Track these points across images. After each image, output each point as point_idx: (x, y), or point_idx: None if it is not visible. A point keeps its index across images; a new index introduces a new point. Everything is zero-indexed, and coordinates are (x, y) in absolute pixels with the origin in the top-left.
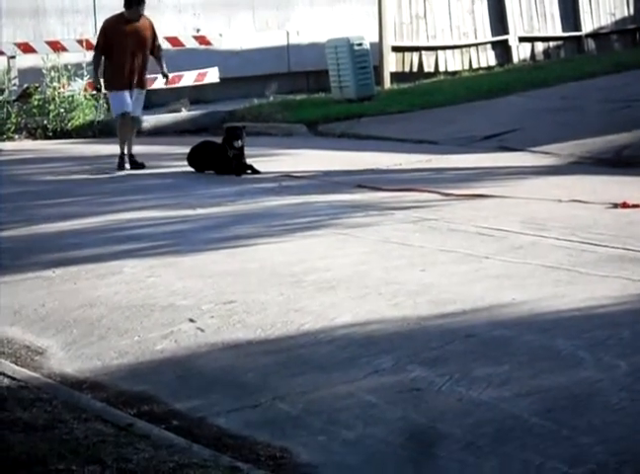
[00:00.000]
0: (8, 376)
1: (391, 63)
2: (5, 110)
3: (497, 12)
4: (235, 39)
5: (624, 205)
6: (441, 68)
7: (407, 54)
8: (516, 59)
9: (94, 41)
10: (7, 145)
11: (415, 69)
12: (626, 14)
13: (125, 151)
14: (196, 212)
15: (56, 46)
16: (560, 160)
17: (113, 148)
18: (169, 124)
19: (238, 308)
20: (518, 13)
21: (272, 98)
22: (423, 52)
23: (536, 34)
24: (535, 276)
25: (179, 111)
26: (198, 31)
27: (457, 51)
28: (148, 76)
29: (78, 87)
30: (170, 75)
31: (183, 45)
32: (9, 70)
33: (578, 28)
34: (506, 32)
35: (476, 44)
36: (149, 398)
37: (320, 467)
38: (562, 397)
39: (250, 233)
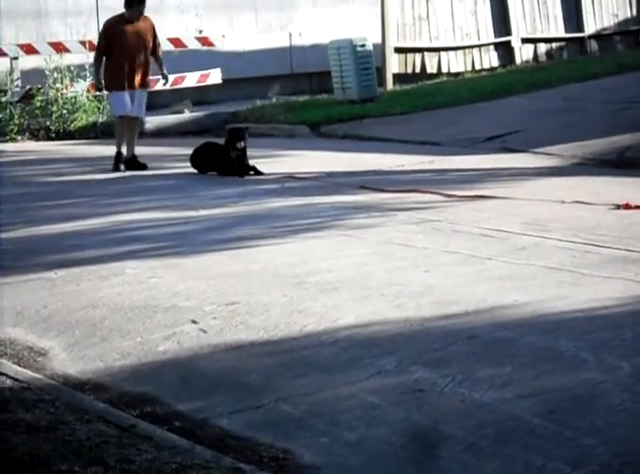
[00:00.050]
0: (10, 377)
1: (394, 64)
2: (8, 111)
3: (499, 13)
4: (238, 40)
5: (627, 207)
6: (444, 69)
7: (410, 55)
8: (518, 60)
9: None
10: (9, 146)
11: (417, 70)
12: (629, 15)
13: (123, 152)
14: (198, 214)
15: (59, 48)
16: (563, 161)
17: (115, 149)
18: (172, 126)
19: (241, 309)
20: (520, 14)
21: (274, 99)
22: (425, 54)
23: (539, 35)
24: (538, 278)
25: (181, 112)
26: (200, 32)
27: (460, 53)
28: (151, 77)
29: (81, 88)
30: (172, 76)
31: (185, 47)
32: (12, 71)
33: (580, 29)
34: (508, 33)
35: (479, 46)
36: (152, 399)
37: (323, 468)
38: (564, 398)
39: (253, 234)
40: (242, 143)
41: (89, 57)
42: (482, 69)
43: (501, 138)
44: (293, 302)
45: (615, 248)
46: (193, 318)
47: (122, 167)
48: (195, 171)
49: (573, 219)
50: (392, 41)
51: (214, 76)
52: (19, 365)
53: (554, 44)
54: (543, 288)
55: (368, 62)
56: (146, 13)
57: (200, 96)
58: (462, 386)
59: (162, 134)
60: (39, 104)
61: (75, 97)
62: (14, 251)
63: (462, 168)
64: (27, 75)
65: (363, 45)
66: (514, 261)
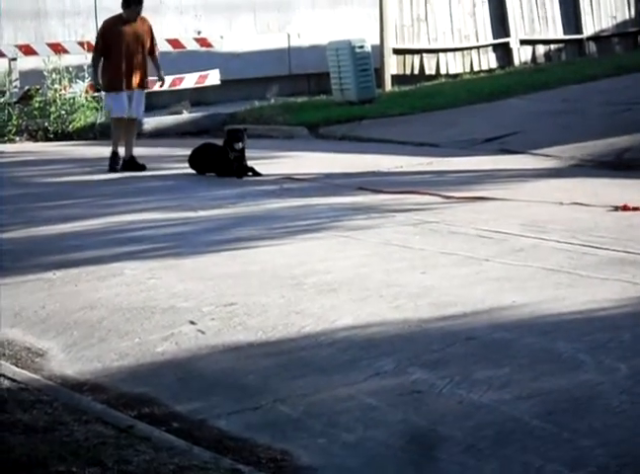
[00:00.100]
0: (8, 378)
1: (392, 66)
2: (6, 112)
3: (498, 14)
4: (236, 41)
5: (625, 208)
6: (443, 71)
7: (408, 57)
8: (517, 62)
9: None
10: (8, 147)
11: (416, 72)
12: (627, 17)
13: (119, 152)
14: (197, 215)
15: (57, 48)
16: (561, 163)
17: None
18: (170, 126)
19: (239, 310)
20: (519, 15)
21: (273, 100)
22: (424, 55)
23: (537, 36)
24: (536, 279)
25: (180, 113)
26: (199, 33)
27: (458, 54)
28: (150, 78)
29: (79, 89)
30: (170, 77)
31: (184, 47)
32: (10, 72)
33: (579, 30)
34: (507, 34)
35: (477, 47)
36: (150, 400)
37: (320, 470)
38: (563, 400)
39: (251, 235)
40: (240, 144)
41: (87, 58)
42: (480, 71)
43: (499, 140)
44: (291, 303)
45: (613, 249)
46: (191, 319)
47: (118, 167)
48: (193, 172)
49: (571, 221)
50: (391, 43)
51: (213, 77)
52: (17, 366)
53: (552, 46)
54: (541, 290)
55: (367, 63)
56: (145, 14)
57: (198, 97)
58: (460, 387)
59: (160, 135)
60: (37, 105)
61: (74, 98)
62: (13, 251)
63: (461, 169)
64: (25, 76)
65: (362, 47)
66: (512, 262)
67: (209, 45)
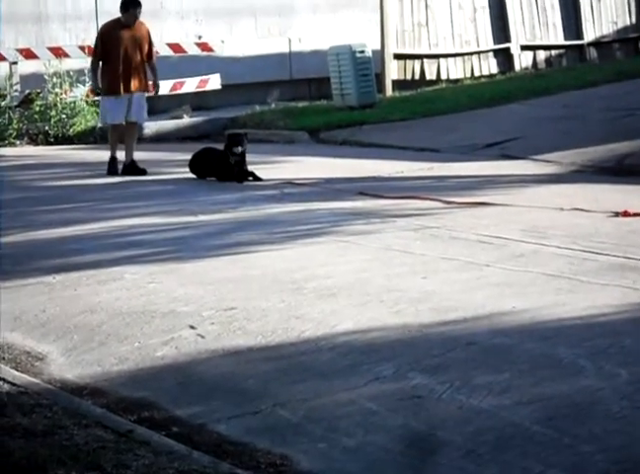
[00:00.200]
0: (8, 382)
1: (393, 71)
2: (7, 115)
3: (499, 20)
4: (237, 45)
5: (625, 214)
6: (443, 76)
7: (409, 62)
8: (518, 67)
9: None
10: (8, 151)
11: (417, 77)
12: (628, 23)
13: (117, 156)
14: (197, 219)
15: (58, 52)
16: (562, 168)
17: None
18: (171, 131)
19: (239, 315)
20: (520, 21)
21: (273, 105)
22: (425, 60)
23: (538, 42)
24: (536, 285)
25: (181, 117)
26: (200, 37)
27: (459, 59)
28: (151, 82)
29: (80, 93)
30: (171, 82)
31: (185, 52)
32: (11, 76)
33: (580, 36)
34: (508, 40)
35: (478, 52)
36: (149, 404)
37: None
38: (563, 405)
39: (251, 240)
40: (239, 148)
41: (88, 62)
42: (481, 76)
43: (500, 145)
44: (291, 308)
45: (614, 255)
46: (191, 323)
47: (118, 171)
48: (194, 176)
49: (572, 226)
50: (391, 48)
51: (214, 82)
52: (16, 370)
53: (553, 52)
54: (542, 295)
55: (368, 68)
56: (146, 18)
57: (199, 101)
58: (461, 393)
59: (161, 140)
60: (38, 108)
61: (74, 102)
62: (13, 255)
63: (461, 175)
64: (26, 80)
65: (363, 52)
66: (512, 268)
67: (210, 50)
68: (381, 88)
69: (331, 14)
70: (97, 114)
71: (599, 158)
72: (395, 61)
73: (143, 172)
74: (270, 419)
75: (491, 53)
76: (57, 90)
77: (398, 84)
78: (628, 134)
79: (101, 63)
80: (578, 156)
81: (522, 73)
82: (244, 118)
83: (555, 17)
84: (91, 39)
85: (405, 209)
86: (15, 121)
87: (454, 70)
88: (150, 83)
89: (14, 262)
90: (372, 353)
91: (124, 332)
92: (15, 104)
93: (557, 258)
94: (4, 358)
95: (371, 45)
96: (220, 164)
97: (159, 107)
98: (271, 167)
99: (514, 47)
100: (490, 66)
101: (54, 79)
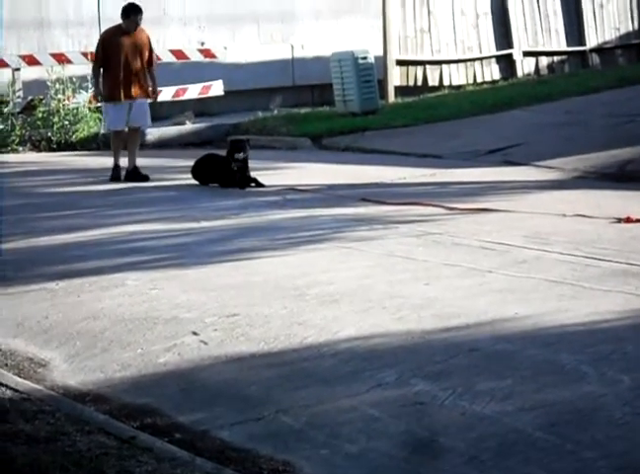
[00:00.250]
0: (11, 388)
1: (395, 77)
2: (9, 122)
3: (501, 26)
4: (240, 52)
5: (628, 220)
6: (446, 82)
7: (411, 68)
8: (520, 74)
9: None
10: (11, 157)
11: (419, 83)
12: (630, 29)
13: (120, 163)
14: (199, 225)
15: (61, 59)
16: (564, 175)
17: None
18: (173, 137)
19: (241, 321)
20: (522, 27)
21: (276, 111)
22: (427, 66)
23: (541, 48)
24: (539, 291)
25: (183, 123)
26: (202, 44)
27: (462, 65)
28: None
29: (83, 99)
30: (174, 88)
31: (187, 58)
32: (13, 82)
33: (582, 42)
34: (510, 46)
35: (480, 59)
36: (152, 411)
37: None
38: (566, 411)
39: (254, 246)
40: (242, 154)
41: (90, 68)
42: (484, 82)
43: (502, 151)
44: (294, 314)
45: (616, 261)
46: (193, 330)
47: (120, 178)
48: (196, 182)
49: (574, 233)
50: (394, 54)
51: (216, 88)
52: (19, 376)
53: (556, 58)
54: (544, 301)
55: (370, 75)
56: (149, 25)
57: (201, 107)
58: (463, 399)
59: (164, 146)
60: (40, 115)
61: (77, 108)
62: (15, 261)
63: (464, 181)
64: (28, 86)
65: (365, 58)
66: (514, 274)
67: (213, 56)
68: (384, 94)
69: (333, 20)
70: (99, 120)
71: (601, 164)
72: (397, 67)
73: (146, 178)
74: (272, 425)
75: (493, 59)
76: (60, 96)
77: (400, 90)
78: (630, 140)
79: (102, 70)
80: (580, 162)
81: (525, 79)
82: (246, 125)
83: (558, 23)
84: (93, 46)
85: (407, 216)
86: (17, 128)
87: (457, 76)
88: (150, 90)
89: (16, 268)
90: (375, 359)
91: (127, 338)
92: (17, 110)
93: (560, 264)
94: (7, 365)
95: (374, 52)
96: (223, 170)
97: (161, 113)
98: (273, 173)
99: (516, 53)
100: (492, 72)
101: (57, 85)
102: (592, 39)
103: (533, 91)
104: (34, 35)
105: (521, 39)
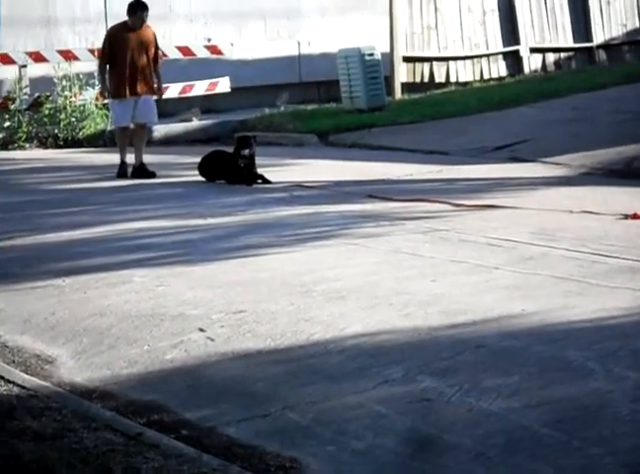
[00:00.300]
0: (17, 385)
1: (402, 74)
2: (16, 119)
3: (508, 23)
4: (246, 48)
5: (635, 217)
6: (452, 79)
7: (418, 65)
8: (527, 70)
9: None
10: (18, 154)
11: (426, 80)
12: (637, 25)
13: (126, 160)
14: (206, 222)
15: (68, 55)
16: (571, 171)
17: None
18: (180, 134)
19: (248, 318)
20: (529, 24)
21: (283, 108)
22: (434, 63)
23: (547, 44)
24: (545, 287)
25: (190, 120)
26: (209, 40)
27: (468, 62)
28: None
29: (89, 96)
30: (181, 85)
31: (194, 55)
32: (20, 79)
33: (589, 39)
34: (517, 42)
35: (487, 55)
36: (159, 407)
37: None
38: (572, 408)
39: (260, 243)
40: (249, 151)
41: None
42: (490, 79)
43: (509, 148)
44: (300, 311)
45: (623, 258)
46: (200, 326)
47: (127, 174)
48: (203, 179)
49: (581, 229)
50: (401, 51)
51: (223, 84)
52: (26, 373)
53: (563, 54)
54: (551, 298)
55: (377, 71)
56: (155, 22)
57: (208, 104)
58: (470, 395)
59: (170, 142)
60: (47, 112)
61: (84, 105)
62: (22, 258)
63: (471, 177)
64: (35, 83)
65: (372, 54)
66: (521, 270)
67: (219, 53)
68: (390, 91)
69: (340, 17)
70: (106, 117)
71: (608, 160)
72: (404, 64)
73: (152, 175)
74: (279, 421)
75: (500, 56)
76: (67, 93)
77: (407, 87)
78: (637, 137)
79: (108, 66)
80: (587, 159)
81: (532, 76)
82: (253, 121)
83: (564, 19)
84: (100, 43)
85: (414, 212)
86: (24, 125)
87: (464, 73)
88: (155, 86)
89: (23, 265)
90: (381, 355)
91: (134, 335)
92: (24, 107)
93: (566, 260)
94: (14, 362)
95: (381, 48)
96: (229, 167)
97: (168, 110)
98: (280, 170)
99: (523, 50)
100: (499, 69)
101: (64, 82)
102: (598, 36)
103: (540, 87)
104: (41, 31)
105: (528, 36)
